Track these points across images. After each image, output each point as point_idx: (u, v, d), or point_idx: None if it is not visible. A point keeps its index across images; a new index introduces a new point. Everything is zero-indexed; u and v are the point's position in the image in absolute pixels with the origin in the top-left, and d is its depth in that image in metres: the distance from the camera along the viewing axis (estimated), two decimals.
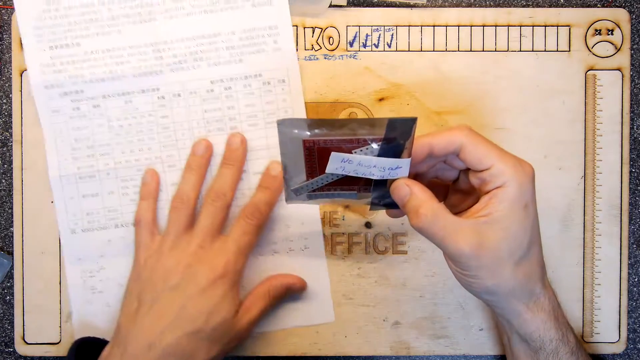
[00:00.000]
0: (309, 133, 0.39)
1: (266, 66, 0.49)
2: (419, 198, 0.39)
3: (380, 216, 0.51)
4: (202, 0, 0.48)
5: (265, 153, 0.49)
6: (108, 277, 0.50)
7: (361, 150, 0.38)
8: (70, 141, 0.49)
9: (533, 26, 0.51)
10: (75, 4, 0.48)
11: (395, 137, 0.38)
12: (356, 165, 0.39)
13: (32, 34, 0.49)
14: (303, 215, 0.50)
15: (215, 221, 0.47)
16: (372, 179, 0.40)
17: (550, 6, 0.51)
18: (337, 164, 0.39)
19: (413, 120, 0.37)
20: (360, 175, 0.39)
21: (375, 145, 0.38)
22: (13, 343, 0.51)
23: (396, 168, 0.39)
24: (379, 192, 0.41)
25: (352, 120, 0.39)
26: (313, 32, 0.50)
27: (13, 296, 0.51)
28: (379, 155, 0.38)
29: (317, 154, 0.39)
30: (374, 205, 0.42)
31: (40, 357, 0.51)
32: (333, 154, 0.39)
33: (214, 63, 0.49)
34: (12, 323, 0.51)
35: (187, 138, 0.49)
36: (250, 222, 0.48)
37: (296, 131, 0.39)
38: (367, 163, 0.39)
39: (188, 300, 0.44)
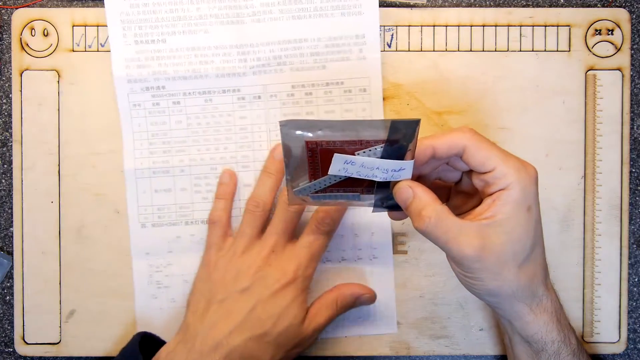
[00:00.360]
0: (311, 134, 0.39)
1: (349, 74, 0.49)
2: (422, 200, 0.39)
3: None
4: (291, 5, 0.48)
5: None
6: (174, 273, 0.50)
7: (364, 152, 0.39)
8: (148, 136, 0.50)
9: (533, 26, 0.51)
10: (164, 0, 0.48)
11: (399, 138, 0.38)
12: (359, 166, 0.39)
13: (119, 27, 0.49)
14: (373, 226, 0.50)
15: (289, 226, 0.47)
16: (375, 181, 0.39)
17: (550, 6, 0.51)
18: (340, 166, 0.39)
19: (416, 122, 0.37)
20: (363, 177, 0.39)
21: (378, 147, 0.38)
22: (13, 343, 0.51)
23: (399, 170, 0.39)
24: (382, 194, 0.41)
25: (355, 121, 0.39)
26: None
27: (13, 296, 0.51)
28: (382, 157, 0.38)
29: (319, 155, 0.39)
30: (377, 207, 0.42)
31: (40, 357, 0.51)
32: (336, 155, 0.39)
33: (297, 68, 0.49)
34: (12, 323, 0.51)
35: (263, 140, 0.49)
36: (321, 229, 0.47)
37: (299, 132, 0.39)
38: (370, 165, 0.39)
39: (258, 303, 0.45)
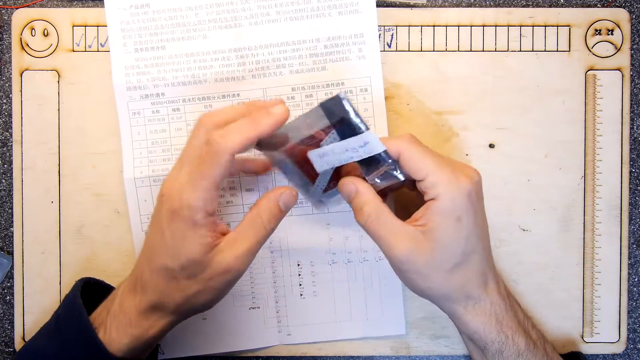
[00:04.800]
0: (282, 148, 0.41)
1: (349, 74, 0.49)
2: (364, 196, 0.41)
3: None
4: (288, 7, 0.48)
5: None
6: None
7: (325, 142, 0.40)
8: (147, 144, 0.50)
9: (533, 26, 0.51)
10: (164, 7, 0.49)
11: (339, 118, 0.39)
12: (334, 155, 0.40)
13: (120, 36, 0.49)
14: None
15: (188, 153, 0.40)
16: (364, 164, 0.41)
17: (550, 6, 0.51)
18: (320, 161, 0.41)
19: (338, 97, 0.39)
20: (346, 162, 0.40)
21: (332, 133, 0.40)
22: (13, 343, 0.51)
23: (365, 145, 0.39)
24: (374, 171, 0.41)
25: (294, 121, 0.41)
26: None
27: (13, 296, 0.51)
28: (342, 139, 0.40)
29: (302, 160, 0.41)
30: (381, 182, 0.42)
31: None
32: (308, 153, 0.41)
33: (297, 70, 0.49)
34: (12, 323, 0.51)
35: None
36: (209, 148, 0.39)
37: (272, 152, 0.41)
38: (339, 150, 0.40)
39: (157, 232, 0.40)
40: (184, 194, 0.39)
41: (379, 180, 0.41)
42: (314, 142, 0.41)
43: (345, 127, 0.39)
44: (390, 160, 0.40)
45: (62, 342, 0.42)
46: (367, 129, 0.39)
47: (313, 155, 0.41)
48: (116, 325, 0.42)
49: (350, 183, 0.42)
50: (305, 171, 0.42)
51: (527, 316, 0.45)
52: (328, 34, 0.49)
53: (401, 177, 0.41)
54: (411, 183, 0.42)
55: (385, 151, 0.40)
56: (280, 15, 0.49)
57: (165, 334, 0.43)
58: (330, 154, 0.40)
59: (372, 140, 0.39)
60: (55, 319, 0.44)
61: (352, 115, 0.39)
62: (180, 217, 0.39)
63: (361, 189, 0.41)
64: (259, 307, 0.50)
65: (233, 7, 0.48)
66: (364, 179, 0.42)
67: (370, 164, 0.41)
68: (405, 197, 0.47)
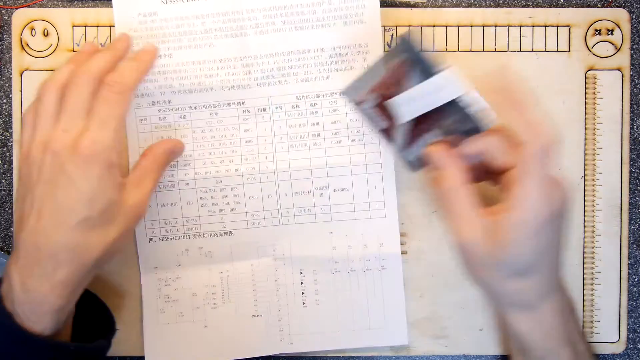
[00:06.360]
0: (365, 98, 0.44)
1: None
2: (454, 167, 0.41)
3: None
4: (294, 17, 0.48)
5: (348, 170, 0.49)
6: (183, 287, 0.50)
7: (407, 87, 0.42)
8: None
9: (533, 26, 0.51)
10: (171, 16, 0.49)
11: (411, 57, 0.41)
12: (413, 102, 0.41)
13: None
14: (382, 237, 0.50)
15: (84, 103, 0.42)
16: (445, 111, 0.41)
17: (550, 6, 0.51)
18: (401, 110, 0.42)
19: (405, 38, 0.41)
20: (430, 108, 0.41)
21: (413, 76, 0.41)
22: None
23: (446, 86, 0.40)
24: (456, 117, 0.42)
25: (368, 72, 0.44)
26: None
27: None
28: (421, 82, 0.41)
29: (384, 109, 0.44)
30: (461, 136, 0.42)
31: None
32: (388, 102, 0.42)
33: (301, 79, 0.49)
34: None
35: (269, 152, 0.49)
36: (110, 89, 0.42)
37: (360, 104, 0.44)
38: (419, 95, 0.41)
39: (63, 189, 0.40)
40: (97, 137, 0.40)
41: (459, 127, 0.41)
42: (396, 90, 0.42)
43: (418, 70, 0.41)
44: (474, 103, 0.40)
45: None
46: (449, 68, 0.39)
47: (394, 102, 0.41)
48: (31, 309, 0.39)
49: (442, 150, 0.41)
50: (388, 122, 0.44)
51: (578, 327, 0.43)
52: (333, 43, 0.49)
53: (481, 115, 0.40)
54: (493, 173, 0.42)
55: (472, 93, 0.40)
56: (286, 25, 0.49)
57: (84, 288, 0.42)
58: (411, 101, 0.40)
59: (451, 77, 0.39)
60: None
61: (422, 54, 0.39)
62: (97, 160, 0.40)
63: (453, 159, 0.41)
64: (261, 315, 0.50)
65: (239, 17, 0.49)
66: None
67: (453, 112, 0.41)
68: (485, 191, 0.45)
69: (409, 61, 0.42)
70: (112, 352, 0.49)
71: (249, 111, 0.49)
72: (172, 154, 0.48)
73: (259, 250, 0.50)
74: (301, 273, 0.50)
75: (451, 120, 0.42)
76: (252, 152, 0.49)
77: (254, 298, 0.50)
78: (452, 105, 0.41)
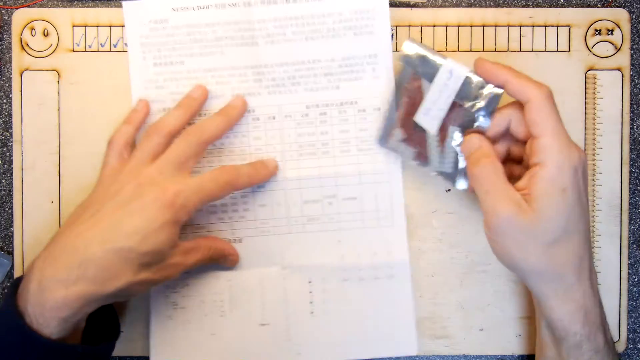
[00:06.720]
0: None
1: (363, 94, 0.49)
2: (485, 149, 0.43)
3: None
4: (304, 27, 0.49)
5: (357, 179, 0.49)
6: (191, 294, 0.50)
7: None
8: None
9: (533, 26, 0.51)
10: (182, 23, 0.49)
11: (419, 63, 0.45)
12: (435, 104, 0.45)
13: (139, 51, 0.49)
14: (390, 245, 0.50)
15: (182, 155, 0.45)
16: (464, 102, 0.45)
17: (550, 6, 0.51)
18: (426, 120, 0.46)
19: (405, 44, 0.45)
20: (448, 104, 0.45)
21: (425, 86, 0.45)
22: None
23: (451, 76, 0.44)
24: (468, 108, 0.45)
25: (393, 99, 0.47)
26: None
27: None
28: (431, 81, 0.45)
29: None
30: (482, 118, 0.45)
31: None
32: (415, 118, 0.46)
33: (311, 88, 0.49)
34: None
35: (278, 160, 0.49)
36: (224, 176, 0.45)
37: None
38: (434, 95, 0.45)
39: (128, 215, 0.42)
40: (185, 195, 0.43)
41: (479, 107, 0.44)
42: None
43: (428, 70, 0.45)
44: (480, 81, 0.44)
45: None
46: (445, 59, 0.43)
47: (419, 117, 0.44)
48: (40, 311, 0.40)
49: (475, 136, 0.44)
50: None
51: (604, 313, 0.44)
52: (343, 54, 0.49)
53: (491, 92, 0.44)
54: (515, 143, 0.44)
55: (473, 73, 0.44)
56: (297, 35, 0.49)
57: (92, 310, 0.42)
58: (431, 106, 0.43)
59: (453, 69, 0.42)
60: None
61: (425, 53, 0.43)
62: (170, 212, 0.42)
63: (485, 143, 0.43)
64: (268, 324, 0.50)
65: (250, 27, 0.49)
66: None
67: (468, 97, 0.44)
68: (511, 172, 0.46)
69: (417, 74, 0.45)
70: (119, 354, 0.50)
71: (258, 119, 0.50)
72: (224, 260, 0.49)
73: (268, 259, 0.50)
74: (309, 282, 0.50)
75: (463, 113, 0.44)
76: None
77: (261, 307, 0.50)
78: (461, 98, 0.44)
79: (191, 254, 0.46)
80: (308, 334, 0.50)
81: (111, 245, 0.41)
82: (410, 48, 0.45)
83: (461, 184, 0.46)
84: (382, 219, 0.50)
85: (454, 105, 0.45)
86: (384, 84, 0.49)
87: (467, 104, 0.44)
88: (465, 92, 0.44)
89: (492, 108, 0.44)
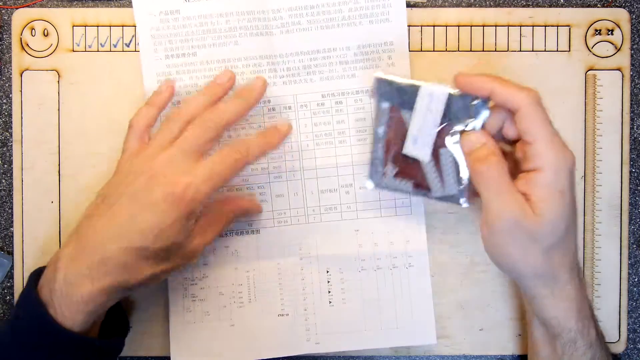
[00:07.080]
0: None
1: None
2: (491, 147, 0.41)
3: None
4: (320, 16, 0.49)
5: None
6: (210, 286, 0.50)
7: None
8: None
9: (533, 26, 0.51)
10: (194, 14, 0.49)
11: (395, 94, 0.43)
12: (421, 130, 0.43)
13: (150, 43, 0.49)
14: (408, 234, 0.50)
15: (197, 139, 0.43)
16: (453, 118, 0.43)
17: (550, 6, 0.51)
18: (415, 148, 0.44)
19: (375, 79, 0.44)
20: (436, 126, 0.43)
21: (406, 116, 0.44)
22: None
23: (432, 97, 0.42)
24: (455, 125, 0.43)
25: (376, 136, 0.45)
26: None
27: (13, 296, 0.51)
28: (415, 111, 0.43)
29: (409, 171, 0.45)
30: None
31: None
32: (404, 151, 0.44)
33: (327, 77, 0.49)
34: None
35: (294, 151, 0.49)
36: (232, 155, 0.43)
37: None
38: (419, 122, 0.43)
39: (140, 211, 0.41)
40: (197, 187, 0.42)
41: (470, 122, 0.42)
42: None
43: (406, 99, 0.42)
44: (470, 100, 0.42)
45: (18, 326, 0.42)
46: (420, 85, 0.42)
47: (408, 148, 0.43)
48: (67, 304, 0.41)
49: (477, 132, 0.42)
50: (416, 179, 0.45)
51: (592, 307, 0.44)
52: (358, 42, 0.49)
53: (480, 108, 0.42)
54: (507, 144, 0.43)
55: (456, 92, 0.42)
56: (312, 24, 0.49)
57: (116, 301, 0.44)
58: (417, 134, 0.42)
59: (431, 88, 0.41)
60: (15, 308, 0.44)
61: (399, 81, 0.41)
62: (181, 206, 0.41)
63: (490, 139, 0.42)
64: (287, 314, 0.50)
65: (264, 16, 0.49)
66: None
67: (457, 113, 0.42)
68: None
69: (394, 106, 0.44)
70: (137, 352, 0.50)
71: (274, 109, 0.49)
72: (246, 213, 0.49)
73: (285, 249, 0.50)
74: (327, 272, 0.50)
75: (452, 132, 0.43)
76: (278, 150, 0.49)
77: (280, 297, 0.50)
78: (450, 119, 0.43)
79: (209, 230, 0.45)
80: (326, 324, 0.50)
81: (127, 244, 0.41)
82: (381, 82, 0.44)
83: (467, 202, 0.45)
84: (399, 207, 0.50)
85: (444, 129, 0.43)
86: (399, 71, 0.49)
87: (459, 127, 0.43)
88: (454, 112, 0.42)
89: (485, 120, 0.42)
